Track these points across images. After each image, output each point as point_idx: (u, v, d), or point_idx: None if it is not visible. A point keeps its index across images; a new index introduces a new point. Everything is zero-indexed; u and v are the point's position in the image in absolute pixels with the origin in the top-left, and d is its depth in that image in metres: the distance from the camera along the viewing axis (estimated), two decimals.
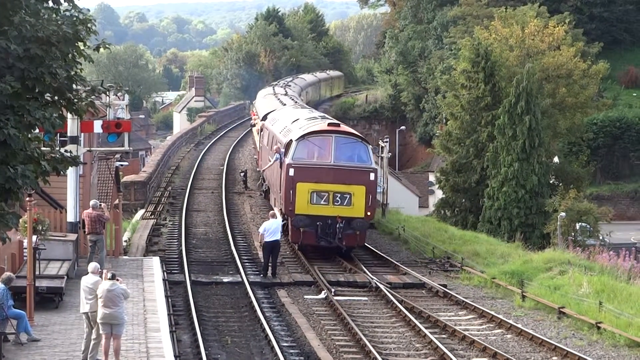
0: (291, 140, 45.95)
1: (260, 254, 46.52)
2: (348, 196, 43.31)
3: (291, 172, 43.23)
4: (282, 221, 45.89)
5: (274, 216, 46.45)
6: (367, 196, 43.64)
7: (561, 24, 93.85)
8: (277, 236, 45.01)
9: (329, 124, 47.78)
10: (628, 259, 54.65)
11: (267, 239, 44.62)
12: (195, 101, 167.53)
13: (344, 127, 48.48)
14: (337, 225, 43.08)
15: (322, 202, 43.40)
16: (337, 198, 43.35)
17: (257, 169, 73.47)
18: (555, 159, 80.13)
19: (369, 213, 44.13)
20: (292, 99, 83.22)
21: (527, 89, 75.49)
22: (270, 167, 53.48)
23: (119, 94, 39.12)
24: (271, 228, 45.09)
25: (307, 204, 43.45)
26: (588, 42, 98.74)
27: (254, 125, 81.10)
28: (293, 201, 43.25)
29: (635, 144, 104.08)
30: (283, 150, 47.49)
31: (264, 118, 65.44)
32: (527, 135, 74.04)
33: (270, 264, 44.72)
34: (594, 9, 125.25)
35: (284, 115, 59.92)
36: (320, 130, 45.94)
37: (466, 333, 35.46)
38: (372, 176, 44.53)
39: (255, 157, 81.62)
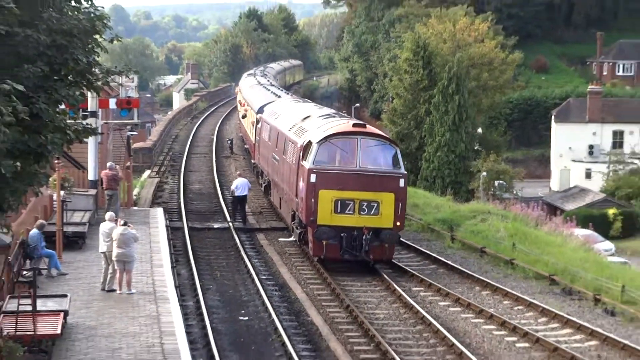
0: (310, 142, 33.72)
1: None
2: (375, 205, 31.86)
3: (313, 178, 31.76)
4: (299, 230, 36.29)
5: (240, 175, 46.85)
6: (396, 204, 32.28)
7: (485, 22, 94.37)
8: (246, 192, 45.07)
9: (354, 125, 34.79)
10: (536, 209, 54.96)
11: (238, 194, 44.81)
12: (191, 83, 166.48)
13: (370, 128, 35.51)
14: (364, 237, 31.86)
15: (347, 212, 31.77)
16: (364, 207, 31.80)
17: (252, 161, 59.31)
18: (479, 130, 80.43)
19: (398, 223, 32.80)
20: (283, 90, 74.23)
21: (457, 74, 75.90)
22: (277, 164, 42.51)
23: (130, 76, 38.87)
24: (241, 185, 45.32)
25: (331, 214, 31.86)
26: (506, 36, 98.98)
27: (244, 116, 69.07)
28: (315, 210, 31.87)
29: (542, 118, 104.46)
30: (301, 152, 34.97)
31: (260, 111, 52.99)
32: (457, 111, 74.58)
33: (238, 213, 44.67)
34: (511, 9, 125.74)
35: (286, 110, 47.58)
36: (345, 132, 33.46)
37: (407, 268, 35.57)
38: (402, 182, 32.91)
39: (246, 146, 68.71)
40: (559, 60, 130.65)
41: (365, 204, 32.00)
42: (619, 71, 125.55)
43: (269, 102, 53.59)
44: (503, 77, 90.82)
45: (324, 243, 31.98)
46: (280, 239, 41.13)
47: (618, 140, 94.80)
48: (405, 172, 34.51)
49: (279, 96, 58.91)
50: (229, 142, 75.24)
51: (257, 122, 52.57)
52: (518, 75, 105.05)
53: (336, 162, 32.84)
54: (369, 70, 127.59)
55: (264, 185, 51.06)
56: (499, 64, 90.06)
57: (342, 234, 32.05)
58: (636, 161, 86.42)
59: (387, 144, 34.39)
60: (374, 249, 32.18)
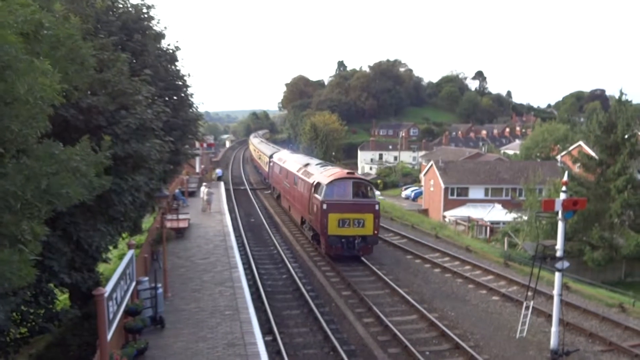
0: (320, 183, 21.49)
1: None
2: (362, 221, 20.15)
3: (324, 206, 20.17)
4: (311, 233, 23.06)
5: (219, 168, 43.92)
6: (374, 221, 20.31)
7: (334, 115, 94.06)
8: (221, 174, 42.97)
9: (347, 173, 21.82)
10: None
11: (219, 175, 42.79)
12: (232, 137, 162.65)
13: (356, 175, 22.14)
14: (356, 241, 20.46)
15: (345, 226, 20.20)
16: (355, 223, 20.22)
17: (266, 180, 42.82)
18: (334, 153, 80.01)
19: (376, 232, 20.51)
20: (278, 146, 57.02)
21: (325, 134, 76.01)
22: (288, 188, 28.80)
23: (210, 135, 38.09)
24: (219, 172, 43.34)
25: (336, 228, 20.24)
26: (342, 120, 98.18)
27: (259, 157, 50.85)
28: (326, 226, 20.26)
29: (355, 149, 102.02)
30: (312, 188, 22.07)
31: (271, 157, 39.20)
32: (325, 147, 74.53)
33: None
34: (342, 112, 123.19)
35: (287, 157, 33.45)
36: (342, 177, 21.08)
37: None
38: (377, 207, 20.41)
39: (260, 170, 50.42)
40: (361, 129, 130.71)
41: (356, 221, 20.22)
42: (380, 133, 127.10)
43: (275, 152, 40.94)
44: (341, 136, 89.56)
45: (332, 246, 20.39)
46: (265, 192, 40.34)
47: (380, 157, 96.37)
48: (378, 201, 21.18)
49: (279, 149, 45.45)
50: (247, 158, 74.51)
51: (269, 162, 38.91)
52: (346, 135, 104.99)
53: (337, 196, 20.51)
54: (295, 133, 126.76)
55: (275, 195, 36.02)
56: (339, 130, 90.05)
57: (342, 240, 20.36)
58: (387, 164, 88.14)
59: (366, 183, 21.31)
60: (362, 248, 20.51)
